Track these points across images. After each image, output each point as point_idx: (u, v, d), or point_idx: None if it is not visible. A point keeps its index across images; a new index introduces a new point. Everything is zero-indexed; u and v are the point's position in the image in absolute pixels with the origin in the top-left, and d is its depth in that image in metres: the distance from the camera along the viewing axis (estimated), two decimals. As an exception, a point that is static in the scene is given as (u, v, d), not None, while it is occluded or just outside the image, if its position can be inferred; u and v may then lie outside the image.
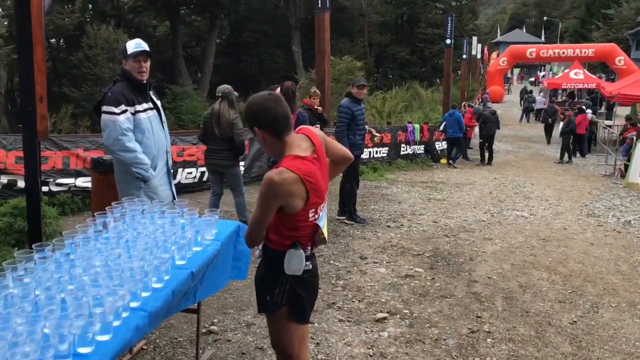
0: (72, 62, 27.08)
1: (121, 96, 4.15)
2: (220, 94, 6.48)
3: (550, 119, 21.99)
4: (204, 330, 4.19)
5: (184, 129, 20.65)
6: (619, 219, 8.41)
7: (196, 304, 3.52)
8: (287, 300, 2.67)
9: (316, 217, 2.62)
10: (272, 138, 2.54)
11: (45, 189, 7.08)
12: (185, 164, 8.91)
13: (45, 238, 4.95)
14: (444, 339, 4.24)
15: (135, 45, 4.29)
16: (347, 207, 7.66)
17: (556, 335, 4.31)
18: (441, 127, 15.79)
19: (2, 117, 24.60)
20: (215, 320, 4.43)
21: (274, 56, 44.59)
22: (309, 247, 2.68)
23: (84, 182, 7.50)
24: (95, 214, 3.37)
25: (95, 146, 7.64)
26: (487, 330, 4.40)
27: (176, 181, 8.75)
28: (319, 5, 11.33)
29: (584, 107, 18.78)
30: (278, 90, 6.07)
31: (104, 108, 4.14)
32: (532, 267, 6.01)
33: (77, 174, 7.52)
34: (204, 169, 9.25)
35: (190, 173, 9.05)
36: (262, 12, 45.10)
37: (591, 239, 7.22)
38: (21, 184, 6.82)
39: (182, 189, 8.74)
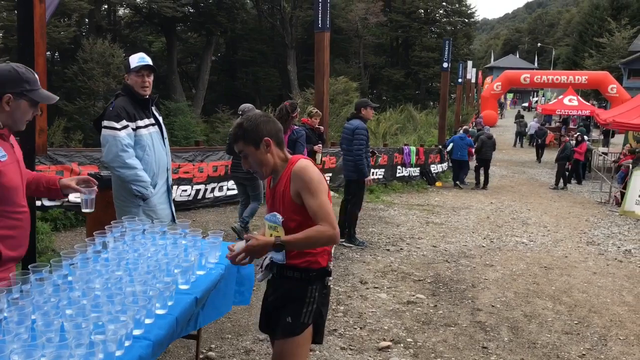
0: (67, 75, 26.92)
1: (122, 111, 4.02)
2: (241, 112, 6.78)
3: (539, 140, 23.80)
4: (201, 356, 4.01)
5: (177, 146, 20.49)
6: (619, 247, 8.33)
7: (196, 330, 3.37)
8: (314, 319, 2.60)
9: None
10: (277, 149, 2.62)
11: (37, 203, 6.90)
12: (181, 181, 8.76)
13: (37, 254, 4.78)
14: (451, 371, 4.09)
15: (138, 59, 4.17)
16: (347, 229, 7.53)
17: (566, 368, 4.18)
18: (448, 148, 15.80)
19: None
20: (213, 346, 4.26)
21: (270, 75, 44.70)
22: (331, 262, 2.70)
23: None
24: (94, 233, 3.22)
25: (90, 161, 7.47)
26: (495, 362, 4.26)
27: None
28: (319, 26, 11.29)
29: (585, 137, 18.90)
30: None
31: (105, 123, 4.02)
32: (536, 295, 5.88)
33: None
34: (199, 186, 9.13)
35: (185, 190, 8.90)
36: (259, 31, 45.34)
37: (593, 267, 7.12)
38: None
39: (177, 207, 8.50)
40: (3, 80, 2.48)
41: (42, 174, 3.10)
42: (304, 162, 2.55)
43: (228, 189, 9.55)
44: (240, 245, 2.56)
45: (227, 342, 4.36)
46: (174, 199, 8.69)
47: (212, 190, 9.33)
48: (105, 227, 3.30)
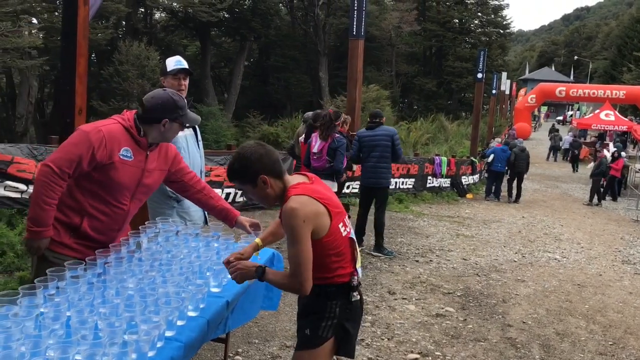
0: (102, 76, 27.44)
1: None
2: (304, 120, 7.30)
3: (576, 151, 25.22)
4: (228, 360, 4.01)
5: (207, 149, 20.68)
6: (656, 267, 8.10)
7: (225, 333, 3.37)
8: (333, 334, 2.55)
9: (347, 230, 2.56)
10: (275, 180, 2.52)
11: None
12: (212, 184, 8.78)
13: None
14: (480, 387, 4.01)
15: (175, 62, 4.19)
16: (375, 238, 7.46)
17: (600, 391, 4.05)
18: (490, 159, 15.62)
19: (30, 126, 24.94)
20: (240, 350, 4.26)
21: (301, 81, 44.83)
22: (356, 277, 2.62)
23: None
24: (129, 232, 3.24)
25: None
26: (526, 380, 4.16)
27: (202, 201, 8.66)
28: (354, 33, 11.26)
29: (622, 153, 18.53)
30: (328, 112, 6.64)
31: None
32: (569, 313, 5.74)
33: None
34: (229, 190, 9.16)
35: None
36: (292, 38, 45.52)
37: (629, 287, 6.92)
38: (49, 194, 6.77)
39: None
40: (163, 108, 2.89)
41: (221, 198, 3.54)
42: (291, 204, 2.39)
43: (258, 194, 9.57)
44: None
45: (254, 346, 4.35)
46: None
47: (242, 194, 9.36)
48: (140, 228, 3.33)
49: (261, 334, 4.60)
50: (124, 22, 35.58)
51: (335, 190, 6.27)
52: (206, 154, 9.38)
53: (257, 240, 2.89)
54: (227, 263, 2.65)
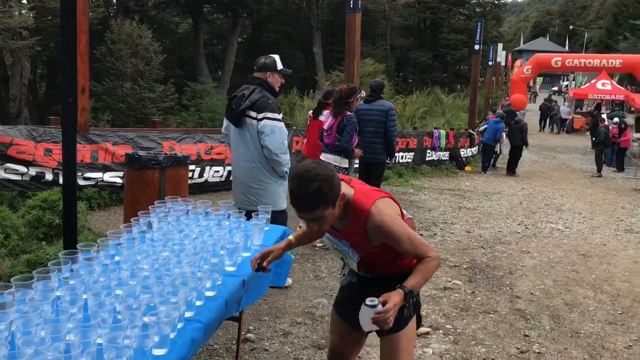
0: (95, 56, 27.04)
1: (277, 104, 4.59)
2: (323, 95, 7.03)
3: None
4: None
5: (205, 127, 20.54)
6: (659, 235, 8.12)
7: (238, 312, 3.34)
8: (415, 311, 2.56)
9: (404, 212, 2.53)
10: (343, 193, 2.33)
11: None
12: (213, 162, 8.73)
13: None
14: (493, 359, 4.01)
15: (282, 64, 4.75)
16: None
17: (612, 360, 4.06)
18: (481, 128, 15.52)
19: (24, 108, 24.65)
20: (251, 328, 4.24)
21: (295, 57, 44.34)
22: None
23: (111, 177, 7.35)
24: (138, 212, 3.19)
25: (124, 141, 7.48)
26: (537, 351, 4.16)
27: (203, 179, 8.60)
28: (351, 6, 11.07)
29: (629, 123, 18.43)
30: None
31: (271, 115, 4.46)
32: (576, 284, 5.75)
33: (105, 169, 7.36)
34: (230, 167, 9.10)
35: (218, 172, 8.86)
36: (285, 13, 45.00)
37: (634, 256, 6.93)
38: (49, 176, 6.69)
39: (209, 188, 8.58)
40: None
41: None
42: (378, 217, 2.27)
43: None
44: (367, 314, 2.20)
45: (264, 324, 4.33)
46: (206, 180, 8.76)
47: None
48: (149, 207, 3.28)
49: (271, 311, 4.58)
50: (114, 1, 35.08)
51: (346, 166, 6.17)
52: (206, 132, 9.34)
53: (292, 237, 2.72)
54: (257, 260, 2.58)
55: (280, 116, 4.54)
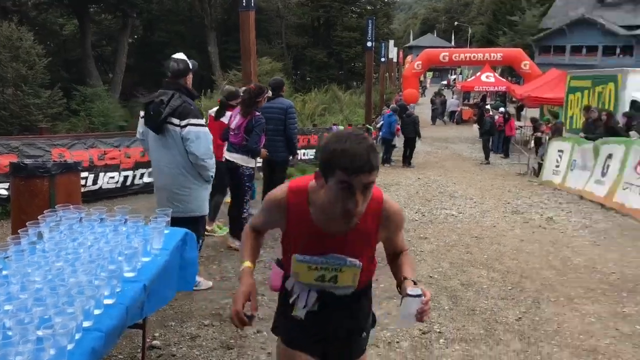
0: (-30, 60, 25.09)
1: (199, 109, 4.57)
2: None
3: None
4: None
5: (98, 132, 19.63)
6: (541, 215, 8.76)
7: (142, 319, 3.25)
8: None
9: None
10: None
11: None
12: (107, 168, 8.40)
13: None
14: (397, 342, 4.18)
15: (191, 60, 4.73)
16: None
17: (505, 332, 4.35)
18: (378, 125, 16.00)
19: None
20: (157, 334, 4.14)
21: (189, 57, 42.59)
22: None
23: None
24: (26, 223, 3.02)
25: (8, 150, 7.03)
26: (438, 330, 4.38)
27: (97, 186, 8.24)
28: (244, 4, 11.03)
29: (511, 113, 19.76)
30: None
31: (195, 120, 4.42)
32: (470, 265, 6.10)
33: (-13, 180, 6.89)
34: (127, 172, 8.78)
35: (113, 177, 8.54)
36: (176, 12, 43.94)
37: (520, 235, 7.46)
38: None
39: (104, 195, 8.25)
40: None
41: None
42: (394, 203, 2.18)
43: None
44: (413, 305, 2.02)
45: (171, 329, 4.24)
46: (100, 187, 8.39)
47: (142, 176, 9.00)
48: (39, 217, 3.11)
49: (177, 315, 4.49)
50: (-12, 0, 32.62)
51: (253, 165, 6.15)
52: (98, 136, 8.96)
53: (248, 264, 2.26)
54: (243, 312, 2.09)
55: (203, 121, 4.53)
